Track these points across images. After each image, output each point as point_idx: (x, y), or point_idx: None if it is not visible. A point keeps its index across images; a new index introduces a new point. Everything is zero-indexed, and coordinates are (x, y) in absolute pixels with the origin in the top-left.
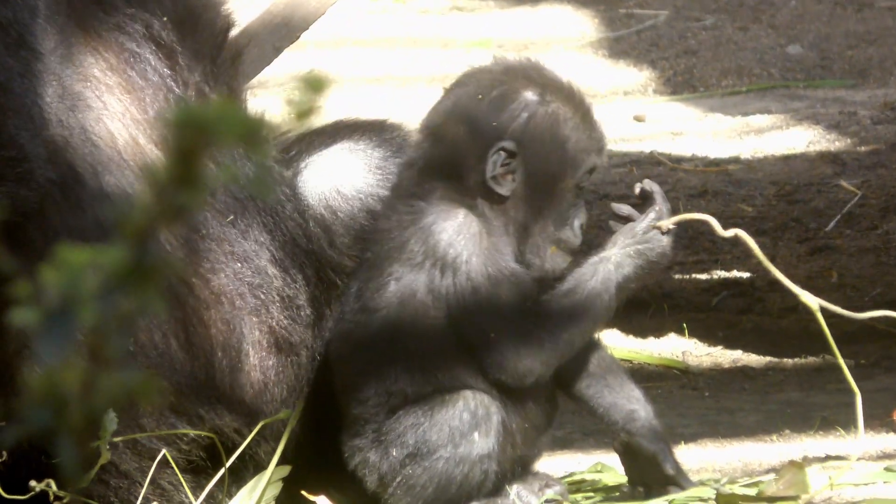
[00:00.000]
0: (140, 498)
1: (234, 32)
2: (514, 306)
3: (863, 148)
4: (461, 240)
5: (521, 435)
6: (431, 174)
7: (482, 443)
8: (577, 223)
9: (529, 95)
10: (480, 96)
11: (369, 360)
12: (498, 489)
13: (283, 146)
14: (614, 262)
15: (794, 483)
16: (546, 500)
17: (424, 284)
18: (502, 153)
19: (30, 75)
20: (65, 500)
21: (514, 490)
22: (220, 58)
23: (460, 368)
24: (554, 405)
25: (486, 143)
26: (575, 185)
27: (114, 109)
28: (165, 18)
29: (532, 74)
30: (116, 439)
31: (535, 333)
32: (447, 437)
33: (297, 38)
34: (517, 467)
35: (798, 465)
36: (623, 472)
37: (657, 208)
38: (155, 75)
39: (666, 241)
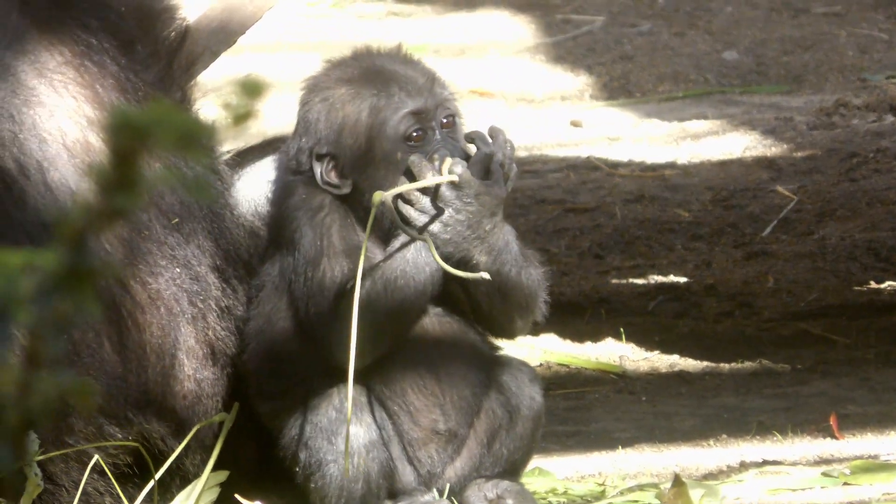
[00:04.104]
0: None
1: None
2: (339, 283)
3: (798, 153)
4: (303, 215)
5: (426, 418)
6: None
7: (359, 433)
8: (441, 163)
9: (311, 98)
10: (300, 108)
11: (255, 367)
12: (429, 487)
13: (224, 161)
14: (433, 227)
15: (680, 497)
16: None
17: (278, 268)
18: (322, 159)
19: None
20: None
21: (452, 492)
22: (175, 61)
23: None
24: (477, 389)
25: (306, 155)
26: (404, 143)
27: (67, 105)
28: (123, 9)
29: (316, 75)
30: (38, 458)
31: (349, 311)
32: (324, 440)
33: (235, 42)
34: (452, 463)
35: (680, 482)
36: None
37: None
38: (113, 65)
39: (489, 191)
